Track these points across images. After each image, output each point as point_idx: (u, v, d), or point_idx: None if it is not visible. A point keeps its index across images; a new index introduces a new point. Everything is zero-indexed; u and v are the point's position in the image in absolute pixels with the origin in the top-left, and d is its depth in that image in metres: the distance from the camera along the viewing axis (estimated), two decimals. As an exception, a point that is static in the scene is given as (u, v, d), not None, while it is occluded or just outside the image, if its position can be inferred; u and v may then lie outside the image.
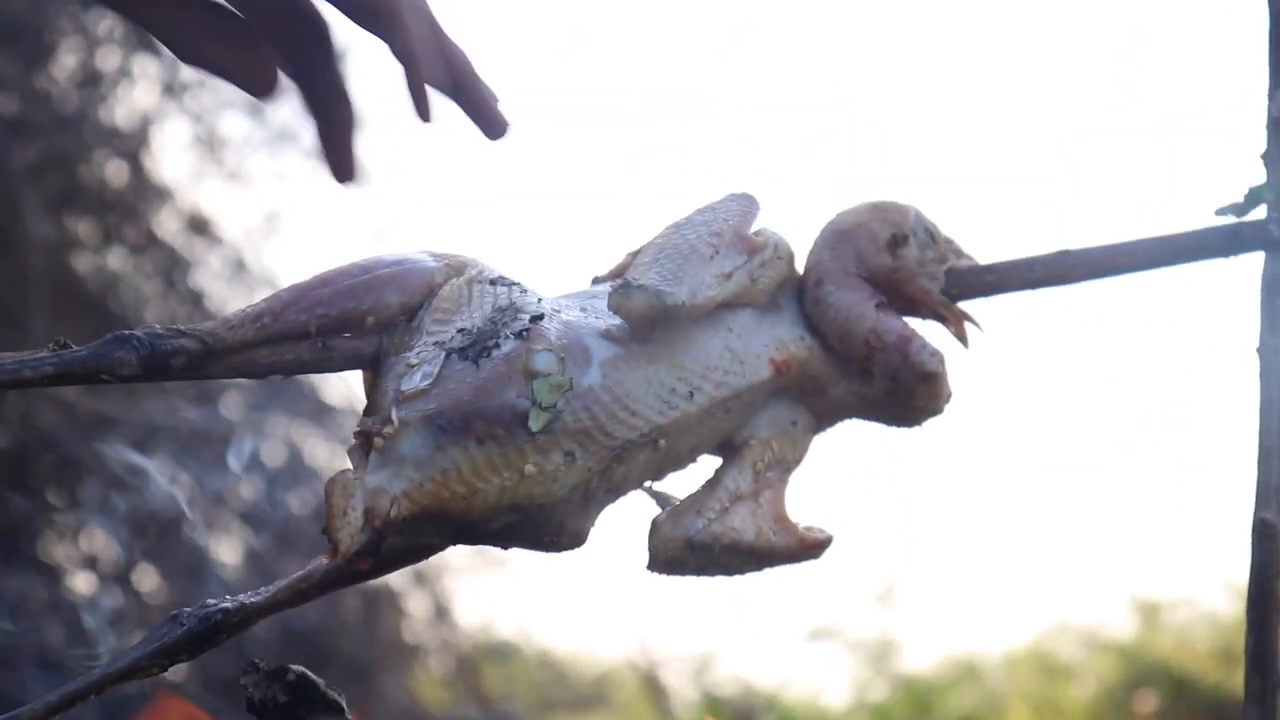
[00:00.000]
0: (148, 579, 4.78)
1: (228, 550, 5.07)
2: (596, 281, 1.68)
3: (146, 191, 5.27)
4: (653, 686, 7.25)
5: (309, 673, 1.57)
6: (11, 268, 4.55)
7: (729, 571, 1.64)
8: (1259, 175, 1.68)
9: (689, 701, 7.39)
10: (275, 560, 4.79)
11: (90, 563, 4.67)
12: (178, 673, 4.56)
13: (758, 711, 6.97)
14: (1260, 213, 1.67)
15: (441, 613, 5.98)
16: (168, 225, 5.32)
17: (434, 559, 5.65)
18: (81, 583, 4.66)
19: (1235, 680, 1.66)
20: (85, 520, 4.71)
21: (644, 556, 1.62)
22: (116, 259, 5.07)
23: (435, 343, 1.49)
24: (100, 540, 4.73)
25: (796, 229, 1.68)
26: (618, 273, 1.66)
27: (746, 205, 1.65)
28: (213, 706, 4.29)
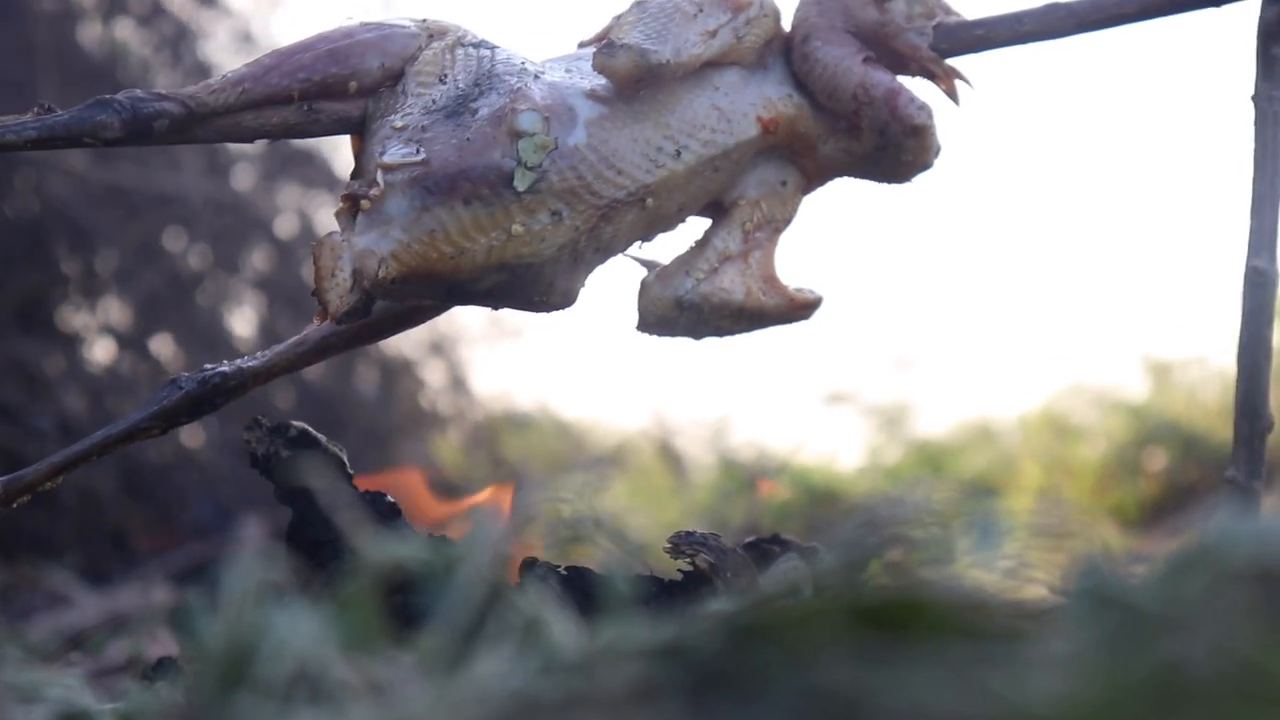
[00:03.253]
0: (165, 347, 4.82)
1: (241, 321, 5.11)
2: (582, 46, 1.67)
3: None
4: (668, 452, 7.34)
5: (310, 429, 1.60)
6: (17, 39, 4.52)
7: (720, 332, 1.65)
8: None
9: (705, 465, 7.49)
10: (289, 330, 4.82)
11: (108, 331, 4.70)
12: (195, 438, 4.64)
13: (772, 474, 7.06)
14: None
15: (458, 382, 6.04)
16: (174, -5, 5.26)
17: (450, 329, 5.68)
18: (100, 351, 4.71)
19: (1241, 434, 1.68)
20: (102, 290, 4.74)
21: (634, 317, 1.64)
22: (123, 30, 5.02)
23: (420, 106, 1.49)
24: (117, 310, 4.76)
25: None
26: (602, 36, 1.65)
27: (731, -38, 1.63)
28: (227, 470, 4.37)
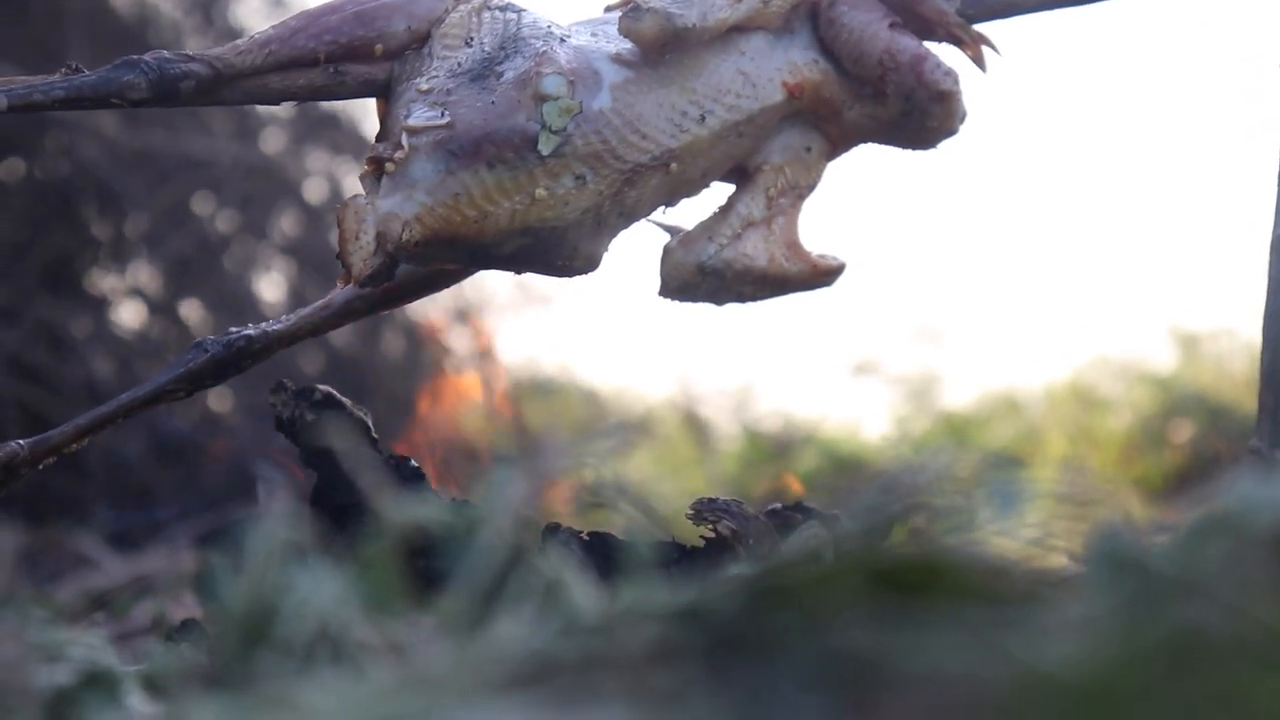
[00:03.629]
0: (193, 311, 4.83)
1: (270, 285, 5.11)
2: (609, 10, 1.67)
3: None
4: (693, 420, 7.33)
5: (335, 393, 1.60)
6: (49, 2, 4.52)
7: (742, 298, 1.65)
8: None
9: (730, 435, 7.48)
10: (317, 295, 4.82)
11: (136, 295, 4.71)
12: (224, 403, 4.65)
13: (797, 444, 7.05)
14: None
15: (484, 349, 6.03)
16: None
17: (476, 295, 5.68)
18: (128, 314, 4.72)
19: (1268, 406, 1.67)
20: (131, 253, 4.75)
21: (657, 282, 1.64)
22: (154, -7, 5.02)
23: (445, 69, 1.50)
24: (146, 273, 4.77)
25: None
26: (629, 1, 1.64)
27: (758, -73, 1.63)
28: (255, 436, 4.38)
